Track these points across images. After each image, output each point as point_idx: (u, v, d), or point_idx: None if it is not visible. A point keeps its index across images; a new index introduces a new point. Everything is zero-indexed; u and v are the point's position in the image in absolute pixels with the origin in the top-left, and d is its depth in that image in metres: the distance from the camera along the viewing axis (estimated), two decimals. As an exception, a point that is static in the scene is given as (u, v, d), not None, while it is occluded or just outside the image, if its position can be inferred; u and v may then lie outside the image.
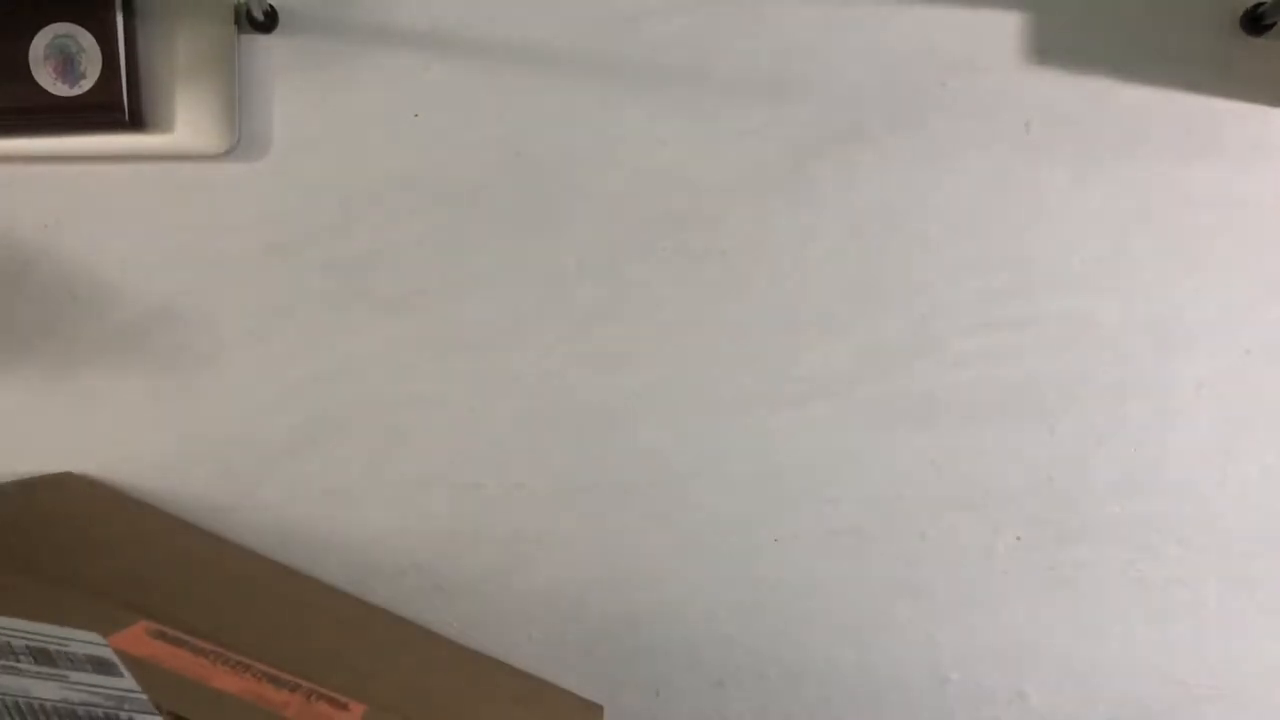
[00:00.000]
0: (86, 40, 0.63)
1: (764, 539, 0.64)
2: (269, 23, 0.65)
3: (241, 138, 0.65)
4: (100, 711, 0.39)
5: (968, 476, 0.63)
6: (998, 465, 0.63)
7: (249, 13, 0.64)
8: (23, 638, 0.41)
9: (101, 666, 0.42)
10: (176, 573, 0.60)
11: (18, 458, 0.67)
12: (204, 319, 0.66)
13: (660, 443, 0.65)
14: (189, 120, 0.65)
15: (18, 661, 0.39)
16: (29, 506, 0.60)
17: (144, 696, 0.41)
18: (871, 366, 0.64)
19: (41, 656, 0.40)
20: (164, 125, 0.65)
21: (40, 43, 0.63)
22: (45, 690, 0.39)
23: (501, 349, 0.65)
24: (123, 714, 0.40)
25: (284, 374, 0.66)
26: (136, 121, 0.64)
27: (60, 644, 0.42)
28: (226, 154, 0.65)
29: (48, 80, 0.63)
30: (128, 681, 0.42)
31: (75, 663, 0.42)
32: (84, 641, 0.44)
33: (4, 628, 0.41)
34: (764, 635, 0.64)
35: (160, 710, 0.41)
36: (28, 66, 0.63)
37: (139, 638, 0.47)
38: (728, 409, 0.64)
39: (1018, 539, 0.63)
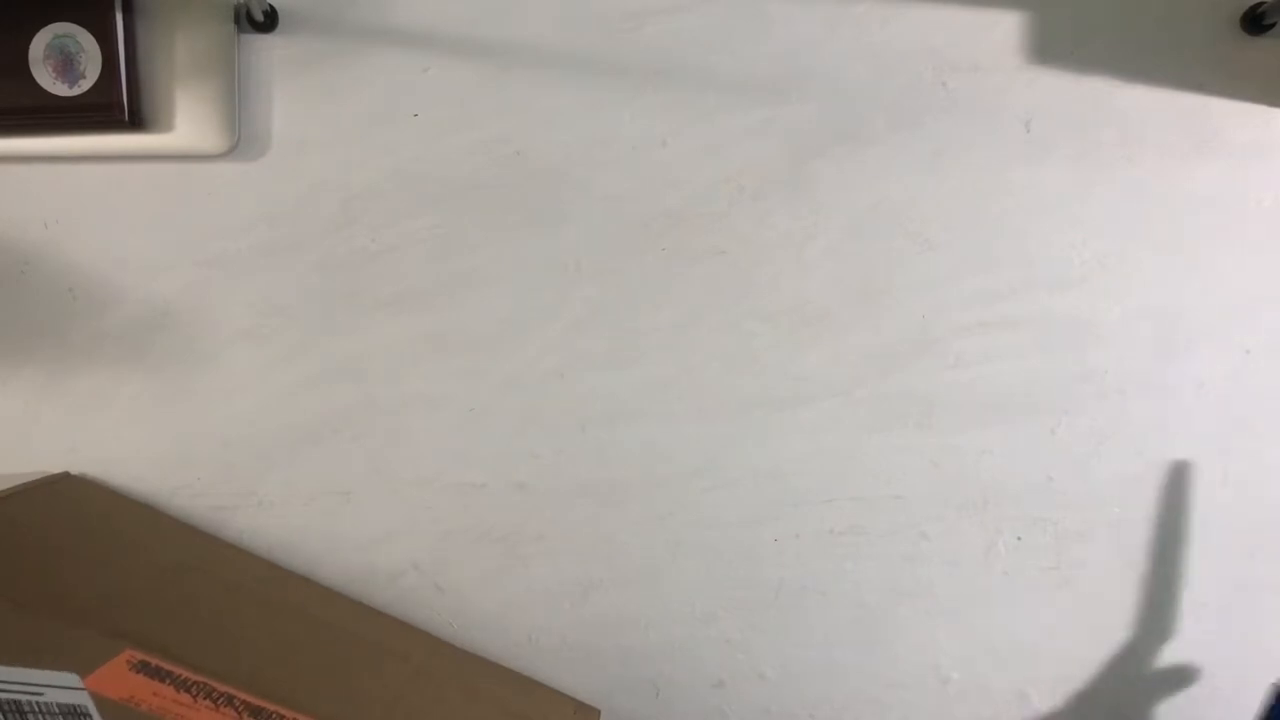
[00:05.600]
0: (86, 40, 0.63)
1: (764, 539, 0.64)
2: (269, 23, 0.65)
3: (241, 137, 0.65)
4: None
5: (968, 476, 0.63)
6: (998, 465, 0.63)
7: (249, 13, 0.64)
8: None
9: (75, 716, 0.42)
10: (169, 585, 0.60)
11: (17, 458, 0.67)
12: (204, 318, 0.66)
13: (660, 443, 0.65)
14: (189, 120, 0.65)
15: None
16: (23, 516, 0.60)
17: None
18: (871, 366, 0.64)
19: (12, 711, 0.40)
20: (164, 125, 0.65)
21: (40, 43, 0.63)
22: None
23: (501, 349, 0.65)
24: None
25: (284, 374, 0.66)
26: (136, 121, 0.64)
27: (34, 693, 0.41)
28: (226, 153, 0.65)
29: (47, 80, 0.63)
30: None
31: (49, 715, 0.41)
32: (60, 687, 0.43)
33: None
34: (764, 635, 0.64)
35: None
36: (27, 66, 0.63)
37: (119, 673, 0.47)
38: (728, 409, 0.64)
39: (1018, 539, 0.63)
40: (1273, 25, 0.61)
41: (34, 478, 0.64)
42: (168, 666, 0.48)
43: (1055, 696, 0.63)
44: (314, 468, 0.66)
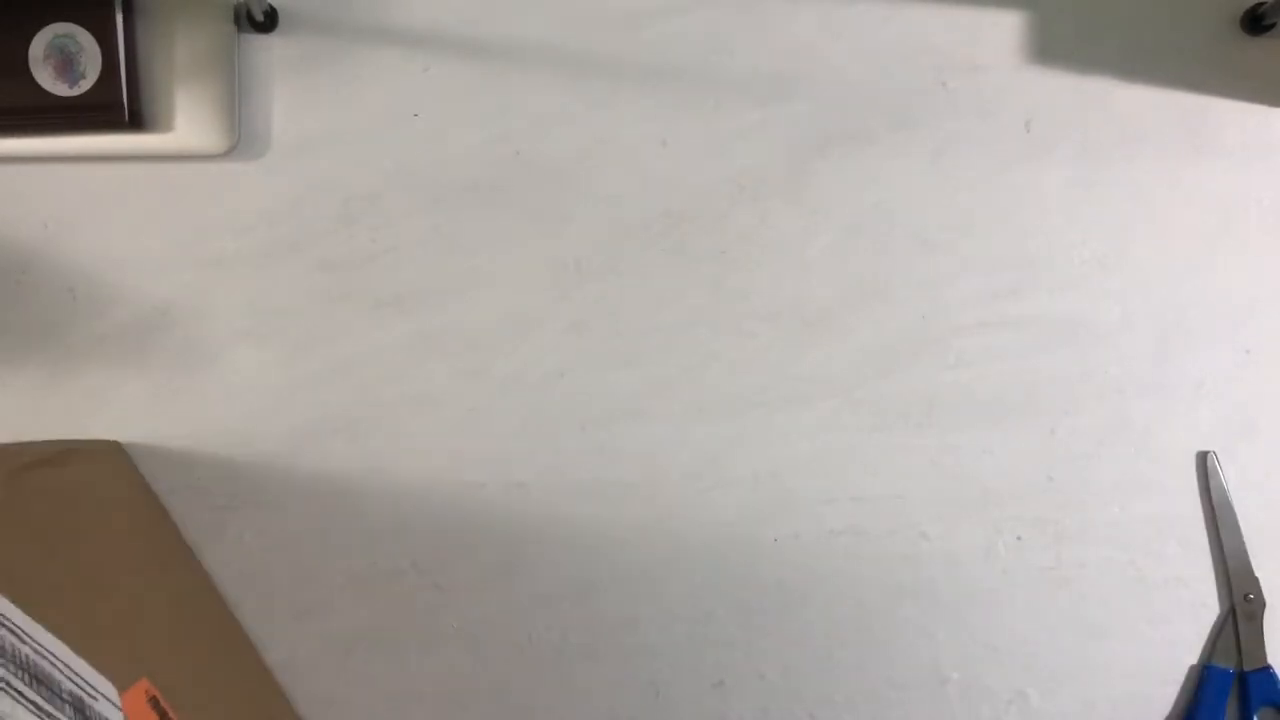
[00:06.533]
0: (86, 40, 0.63)
1: (764, 539, 0.64)
2: (269, 22, 0.65)
3: (241, 137, 0.65)
4: None
5: (968, 476, 0.63)
6: (998, 465, 0.63)
7: (249, 12, 0.64)
8: (67, 677, 0.37)
9: None
10: (185, 614, 0.59)
11: (17, 458, 0.67)
12: (204, 319, 0.66)
13: (660, 443, 0.65)
14: (189, 120, 0.65)
15: (61, 710, 0.35)
16: (75, 485, 0.57)
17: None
18: (871, 366, 0.64)
19: (76, 710, 0.37)
20: (164, 125, 0.65)
21: (40, 43, 0.63)
22: None
23: (501, 349, 0.65)
24: None
25: (284, 374, 0.66)
26: (136, 121, 0.64)
27: (92, 696, 0.39)
28: (227, 154, 0.65)
29: (47, 80, 0.63)
30: None
31: None
32: (105, 698, 0.40)
33: (51, 655, 0.36)
34: (764, 635, 0.64)
35: None
36: (27, 66, 0.63)
37: (138, 703, 0.45)
38: (728, 409, 0.64)
39: (1018, 539, 0.63)
40: (1273, 25, 0.61)
41: (73, 441, 0.62)
42: (172, 715, 0.47)
43: (1055, 696, 0.63)
44: (314, 468, 0.66)
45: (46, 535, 0.50)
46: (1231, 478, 0.62)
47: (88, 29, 0.63)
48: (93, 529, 0.56)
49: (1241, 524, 0.61)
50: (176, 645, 0.57)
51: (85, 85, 0.63)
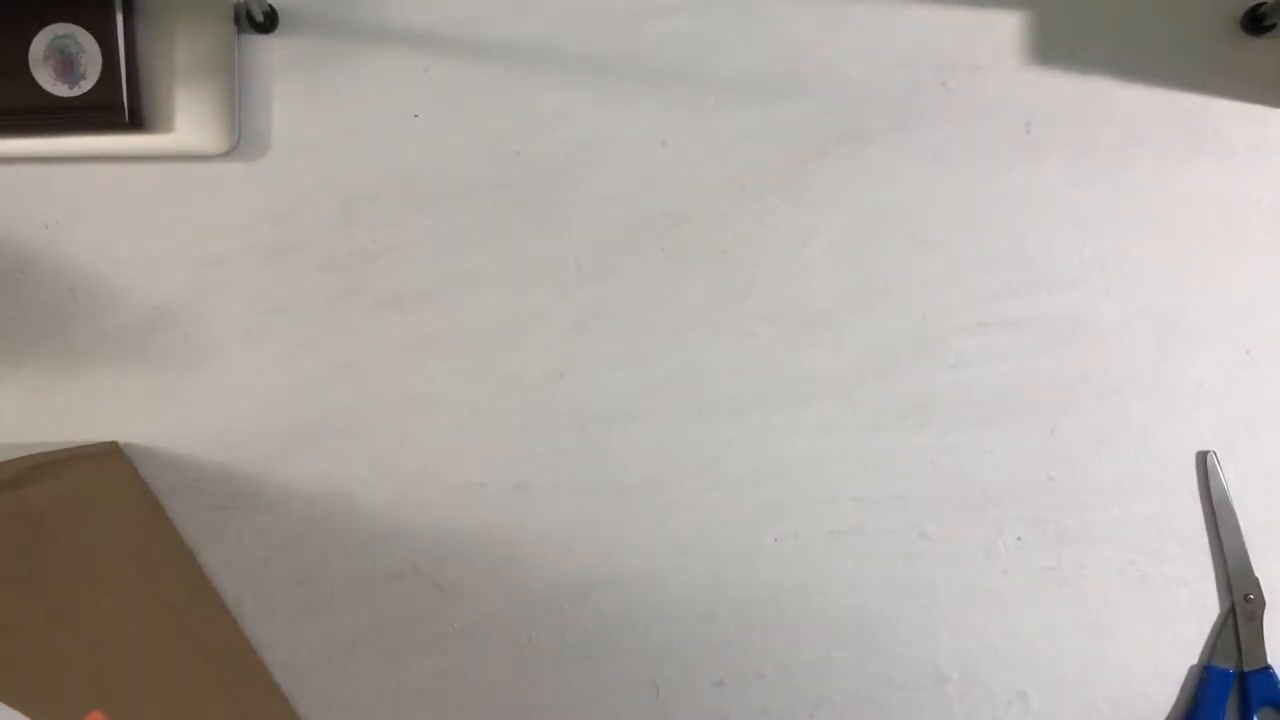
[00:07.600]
0: (86, 40, 0.63)
1: (764, 539, 0.64)
2: (269, 23, 0.65)
3: (241, 137, 0.65)
4: None
5: (968, 476, 0.63)
6: (998, 465, 0.63)
7: (249, 13, 0.64)
8: None
9: None
10: (151, 635, 0.58)
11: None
12: (204, 319, 0.66)
13: (660, 443, 0.65)
14: (189, 120, 0.65)
15: None
16: (63, 495, 0.57)
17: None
18: (871, 366, 0.64)
19: None
20: (164, 125, 0.65)
21: (40, 43, 0.63)
22: None
23: (501, 349, 0.65)
24: None
25: (283, 374, 0.66)
26: (137, 122, 0.64)
27: None
28: (227, 154, 0.65)
29: (47, 81, 0.63)
30: None
31: None
32: None
33: None
34: (764, 635, 0.64)
35: None
36: (27, 67, 0.63)
37: None
38: (728, 409, 0.64)
39: (1018, 539, 0.63)
40: (1273, 25, 0.61)
41: (77, 445, 0.62)
42: None
43: (1055, 696, 0.63)
44: (314, 468, 0.66)
45: (18, 560, 0.50)
46: (1231, 478, 0.62)
47: (88, 29, 0.63)
48: (84, 536, 0.56)
49: (1241, 524, 0.62)
50: (159, 659, 0.56)
51: (85, 85, 0.63)
